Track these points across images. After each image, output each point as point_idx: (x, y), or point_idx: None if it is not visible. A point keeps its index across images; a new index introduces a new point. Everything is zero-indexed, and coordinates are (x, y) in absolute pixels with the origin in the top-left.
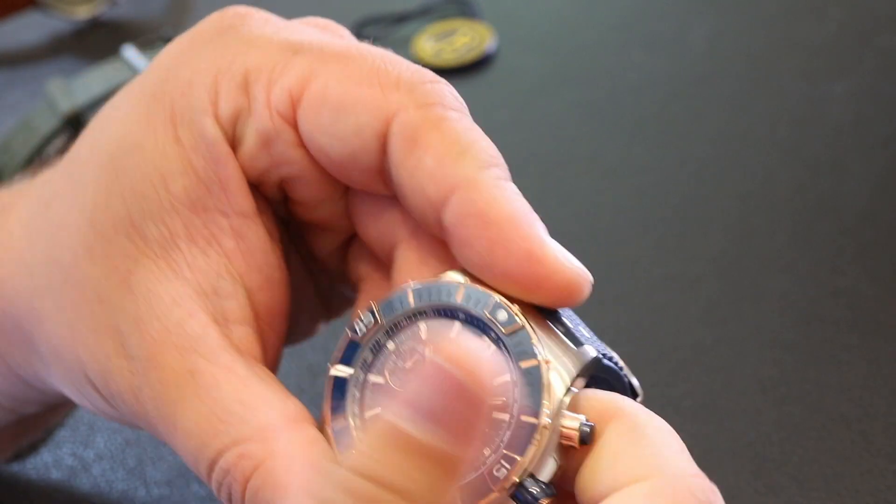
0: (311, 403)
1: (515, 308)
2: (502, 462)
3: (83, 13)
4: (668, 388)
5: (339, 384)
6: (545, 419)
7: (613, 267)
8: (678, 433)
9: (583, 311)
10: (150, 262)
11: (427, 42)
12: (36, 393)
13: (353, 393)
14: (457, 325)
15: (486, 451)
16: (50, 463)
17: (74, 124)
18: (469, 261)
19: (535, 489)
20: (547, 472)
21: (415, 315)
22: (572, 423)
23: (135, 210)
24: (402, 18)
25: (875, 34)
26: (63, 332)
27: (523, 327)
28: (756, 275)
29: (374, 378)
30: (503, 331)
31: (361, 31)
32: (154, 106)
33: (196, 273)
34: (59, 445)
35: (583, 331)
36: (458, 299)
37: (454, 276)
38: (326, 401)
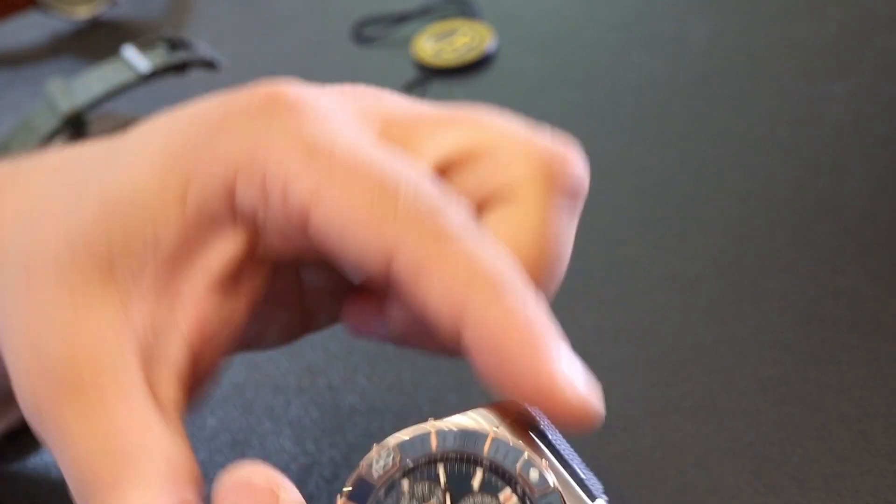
0: (312, 403)
1: (543, 463)
2: None
3: (83, 13)
4: (668, 388)
5: None
6: None
7: (613, 267)
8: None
9: (583, 311)
10: (108, 294)
11: (427, 42)
12: None
13: None
14: (479, 472)
15: None
16: (50, 463)
17: (74, 124)
18: (485, 380)
19: None
20: None
21: (435, 459)
22: None
23: (116, 247)
24: (402, 18)
25: (875, 34)
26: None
27: (555, 490)
28: (756, 275)
29: None
30: (534, 491)
31: (361, 31)
32: (172, 169)
33: (144, 319)
34: None
35: (585, 470)
36: (485, 451)
37: (480, 418)
38: None
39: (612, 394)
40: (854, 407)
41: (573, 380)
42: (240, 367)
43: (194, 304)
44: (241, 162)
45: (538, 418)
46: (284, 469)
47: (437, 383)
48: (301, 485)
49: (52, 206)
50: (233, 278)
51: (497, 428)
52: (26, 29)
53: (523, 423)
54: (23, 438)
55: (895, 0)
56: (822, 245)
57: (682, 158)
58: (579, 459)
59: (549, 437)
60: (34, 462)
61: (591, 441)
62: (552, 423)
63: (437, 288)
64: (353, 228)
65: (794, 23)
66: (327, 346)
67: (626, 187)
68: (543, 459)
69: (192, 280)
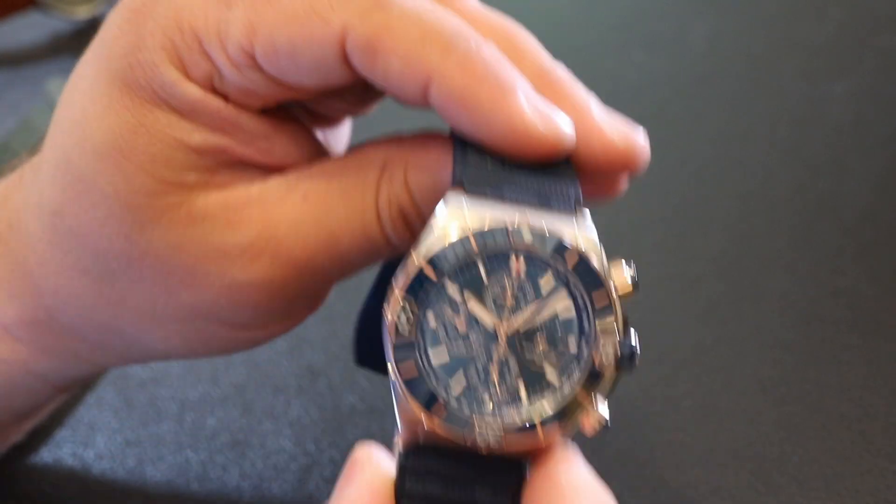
0: (312, 403)
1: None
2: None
3: (83, 13)
4: (668, 388)
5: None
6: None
7: None
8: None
9: None
10: (203, 191)
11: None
12: (103, 371)
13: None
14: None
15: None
16: (50, 463)
17: None
18: (464, 136)
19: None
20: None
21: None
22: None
23: (164, 173)
24: None
25: (875, 34)
26: (158, 295)
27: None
28: (756, 275)
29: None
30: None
31: None
32: (126, 92)
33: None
34: (59, 445)
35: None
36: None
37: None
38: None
39: (612, 394)
40: (854, 407)
41: (540, 111)
42: (240, 368)
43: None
44: (172, 35)
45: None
46: (284, 469)
47: None
48: (301, 485)
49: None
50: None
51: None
52: (26, 29)
53: None
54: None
55: (895, 0)
56: (822, 245)
57: (682, 158)
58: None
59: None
60: (34, 462)
61: (591, 441)
62: (534, 156)
63: (394, 56)
64: (296, 36)
65: (794, 23)
66: (327, 346)
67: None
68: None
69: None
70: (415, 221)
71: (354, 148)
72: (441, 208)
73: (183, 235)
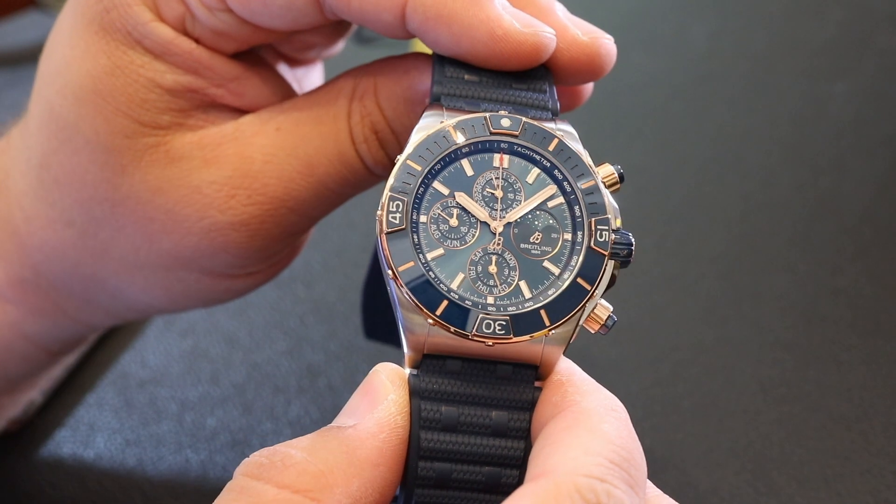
0: (312, 403)
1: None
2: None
3: None
4: (668, 388)
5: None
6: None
7: None
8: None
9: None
10: (178, 132)
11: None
12: (91, 330)
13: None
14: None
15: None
16: (50, 463)
17: None
18: (444, 53)
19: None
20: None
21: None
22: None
23: (139, 114)
24: None
25: (875, 34)
26: (140, 243)
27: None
28: (756, 275)
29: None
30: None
31: (362, 30)
32: (102, 35)
33: None
34: (59, 446)
35: None
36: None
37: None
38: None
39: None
40: (854, 407)
41: (520, 17)
42: (240, 367)
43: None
44: None
45: None
46: None
47: None
48: None
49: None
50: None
51: None
52: (26, 29)
53: None
54: (25, 436)
55: (895, 0)
56: (822, 245)
57: (682, 158)
58: None
59: None
60: (35, 462)
61: None
62: (517, 62)
63: None
64: None
65: (794, 23)
66: (327, 346)
67: (626, 187)
68: None
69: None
70: (388, 139)
71: (326, 82)
72: (421, 122)
73: (161, 177)
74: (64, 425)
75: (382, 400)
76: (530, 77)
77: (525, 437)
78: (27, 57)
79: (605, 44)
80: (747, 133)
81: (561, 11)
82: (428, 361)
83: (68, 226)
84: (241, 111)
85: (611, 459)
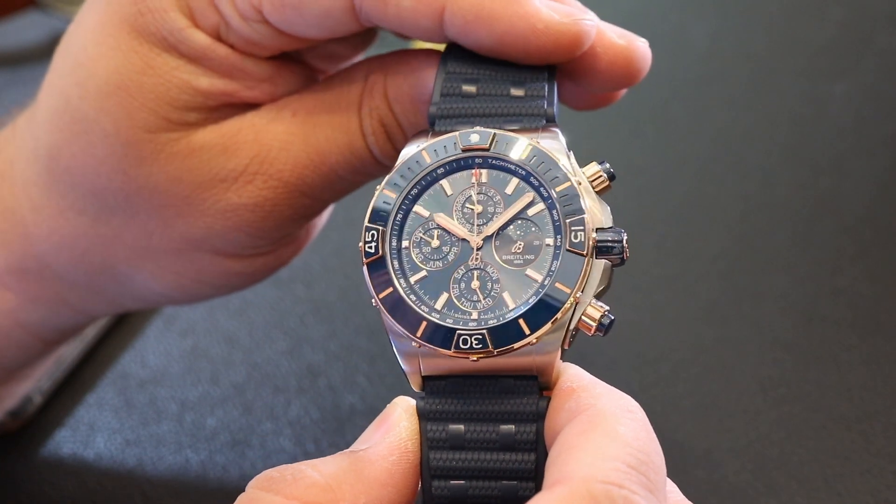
0: (312, 403)
1: None
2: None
3: None
4: (668, 388)
5: None
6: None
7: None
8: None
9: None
10: (202, 127)
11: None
12: (90, 320)
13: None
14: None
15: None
16: (50, 463)
17: None
18: (483, 50)
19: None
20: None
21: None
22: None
23: (168, 112)
24: None
25: (875, 34)
26: (154, 228)
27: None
28: (756, 275)
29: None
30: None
31: None
32: (135, 36)
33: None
34: (59, 446)
35: None
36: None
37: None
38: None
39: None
40: (854, 407)
41: (554, 8)
42: (240, 367)
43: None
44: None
45: None
46: None
47: None
48: None
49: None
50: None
51: None
52: (26, 29)
53: None
54: (26, 434)
55: (895, 0)
56: (822, 245)
57: (682, 158)
58: None
59: None
60: (35, 462)
61: None
62: (560, 55)
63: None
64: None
65: (794, 23)
66: (327, 346)
67: (626, 187)
68: None
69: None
70: (395, 133)
71: (340, 70)
72: (403, 150)
73: (181, 167)
74: (64, 425)
75: (394, 427)
76: (530, 79)
77: (534, 449)
78: (27, 57)
79: (641, 47)
80: (747, 133)
81: (594, 15)
82: (430, 383)
83: (80, 214)
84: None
85: (628, 463)
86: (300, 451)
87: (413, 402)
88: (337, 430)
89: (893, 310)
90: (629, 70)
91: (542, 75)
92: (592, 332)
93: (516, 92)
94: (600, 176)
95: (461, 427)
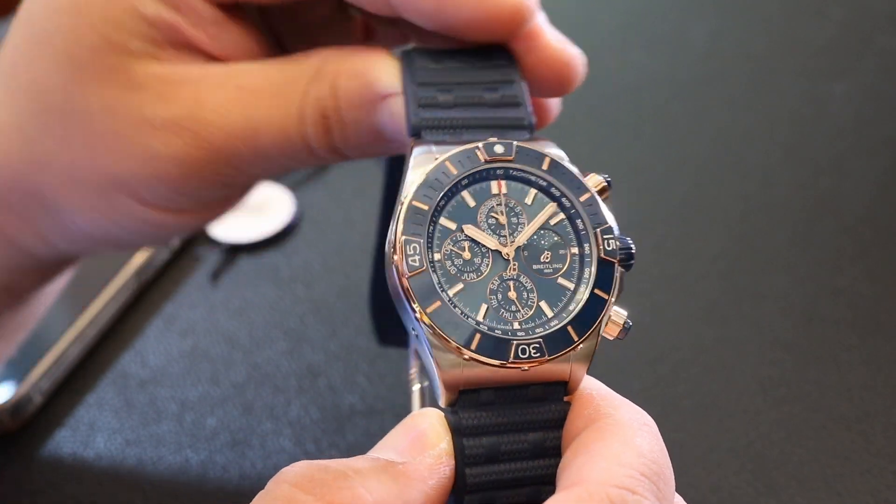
0: (312, 403)
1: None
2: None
3: None
4: (668, 388)
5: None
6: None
7: None
8: (678, 433)
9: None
10: (145, 60)
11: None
12: (31, 263)
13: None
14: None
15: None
16: (50, 463)
17: None
18: (426, 21)
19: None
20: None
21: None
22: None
23: (111, 33)
24: None
25: (875, 34)
26: (82, 157)
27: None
28: (756, 275)
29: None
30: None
31: None
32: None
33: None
34: (59, 446)
35: None
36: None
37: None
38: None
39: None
40: (854, 407)
41: None
42: (240, 367)
43: (210, 44)
44: None
45: None
46: None
47: None
48: None
49: (23, 55)
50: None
51: None
52: None
53: None
54: (28, 431)
55: (895, 0)
56: (822, 245)
57: (682, 158)
58: None
59: None
60: (36, 462)
61: None
62: (499, 31)
63: None
64: None
65: (794, 23)
66: (327, 346)
67: (626, 187)
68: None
69: (193, 31)
70: (335, 127)
71: (299, 53)
72: (412, 160)
73: (117, 99)
74: (64, 425)
75: (433, 445)
76: (501, 83)
77: (559, 454)
78: None
79: (577, 55)
80: (747, 133)
81: (541, 17)
82: (464, 397)
83: (18, 131)
84: (216, 59)
85: (642, 472)
86: (300, 451)
87: (443, 416)
88: (337, 430)
89: (893, 310)
90: (563, 74)
91: (512, 76)
92: (615, 336)
93: (491, 97)
94: (602, 185)
95: (495, 439)
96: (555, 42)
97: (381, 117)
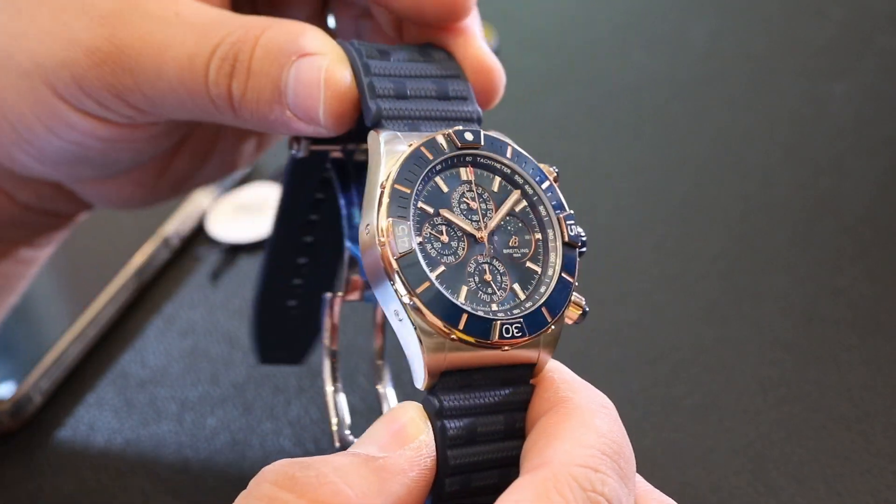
0: (312, 403)
1: None
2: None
3: None
4: (668, 388)
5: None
6: None
7: (613, 267)
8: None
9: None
10: None
11: None
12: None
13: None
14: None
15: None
16: (50, 463)
17: None
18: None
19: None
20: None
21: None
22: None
23: None
24: None
25: (875, 34)
26: (19, 35)
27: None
28: (756, 275)
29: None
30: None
31: None
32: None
33: None
34: (59, 446)
35: None
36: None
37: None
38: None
39: (612, 394)
40: (854, 407)
41: None
42: (240, 367)
43: None
44: None
45: None
46: None
47: None
48: None
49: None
50: None
51: None
52: None
53: None
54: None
55: (895, 0)
56: (822, 245)
57: (682, 158)
58: None
59: None
60: (37, 462)
61: None
62: (436, 14)
63: None
64: None
65: (794, 23)
66: None
67: (626, 187)
68: None
69: None
70: (239, 73)
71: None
72: (383, 147)
73: None
74: (64, 425)
75: (413, 438)
76: (451, 76)
77: (525, 436)
78: None
79: (500, 67)
80: (747, 133)
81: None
82: (444, 379)
83: None
84: None
85: (603, 451)
86: (300, 451)
87: (423, 408)
88: None
89: (893, 310)
90: (491, 78)
91: (458, 71)
92: (574, 321)
93: (441, 90)
94: (554, 175)
95: (474, 421)
96: (486, 49)
97: (289, 75)
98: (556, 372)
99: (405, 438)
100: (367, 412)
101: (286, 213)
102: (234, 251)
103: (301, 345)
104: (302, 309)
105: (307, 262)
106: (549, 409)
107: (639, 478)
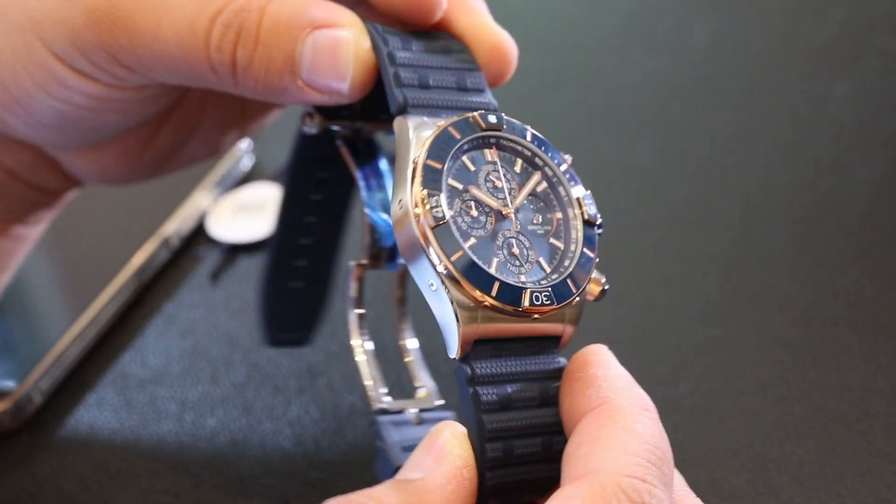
0: (312, 403)
1: None
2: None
3: None
4: (668, 388)
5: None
6: None
7: (613, 267)
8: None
9: (584, 311)
10: None
11: None
12: None
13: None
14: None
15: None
16: (51, 463)
17: None
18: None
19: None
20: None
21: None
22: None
23: None
24: None
25: (875, 34)
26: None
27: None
28: (756, 275)
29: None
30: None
31: None
32: None
33: None
34: (59, 446)
35: None
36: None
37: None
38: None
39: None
40: (854, 407)
41: None
42: (240, 367)
43: None
44: None
45: None
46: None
47: (436, 384)
48: (301, 485)
49: None
50: None
51: None
52: None
53: None
54: (29, 428)
55: (895, 0)
56: (823, 245)
57: (682, 158)
58: None
59: None
60: (38, 462)
61: None
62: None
63: None
64: None
65: (794, 23)
66: (327, 346)
67: (626, 187)
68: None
69: None
70: (245, 42)
71: None
72: (406, 129)
73: None
74: (64, 425)
75: (448, 456)
76: (468, 73)
77: (558, 404)
78: None
79: (513, 43)
80: (747, 133)
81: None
82: (477, 348)
83: None
84: None
85: (648, 459)
86: (300, 451)
87: (460, 427)
88: (337, 430)
89: (893, 310)
90: (507, 59)
91: (473, 63)
92: (595, 297)
93: (460, 82)
94: (569, 159)
95: (507, 388)
96: (493, 24)
97: (304, 46)
98: (603, 367)
99: (442, 458)
100: (367, 412)
101: (291, 193)
102: (234, 251)
103: (307, 326)
104: (307, 290)
105: (311, 242)
106: (588, 409)
107: (677, 475)
